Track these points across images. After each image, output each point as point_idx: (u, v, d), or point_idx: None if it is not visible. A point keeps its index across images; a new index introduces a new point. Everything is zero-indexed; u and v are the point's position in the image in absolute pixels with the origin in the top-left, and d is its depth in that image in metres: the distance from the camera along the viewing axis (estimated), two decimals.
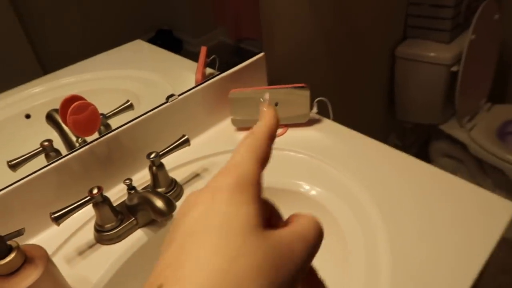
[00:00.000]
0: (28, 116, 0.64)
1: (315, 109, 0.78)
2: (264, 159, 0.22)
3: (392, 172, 0.64)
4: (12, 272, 0.44)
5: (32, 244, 0.48)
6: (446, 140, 1.55)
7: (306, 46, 1.01)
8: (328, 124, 0.77)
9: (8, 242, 0.44)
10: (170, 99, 0.71)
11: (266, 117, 0.23)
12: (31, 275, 0.45)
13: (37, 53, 0.58)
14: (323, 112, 0.80)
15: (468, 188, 0.61)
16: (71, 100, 0.58)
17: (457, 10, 1.27)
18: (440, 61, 1.31)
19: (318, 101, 0.78)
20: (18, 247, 0.44)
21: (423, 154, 1.66)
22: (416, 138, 1.81)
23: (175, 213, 0.54)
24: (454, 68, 1.30)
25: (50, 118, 0.65)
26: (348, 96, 1.27)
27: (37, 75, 0.59)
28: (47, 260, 0.47)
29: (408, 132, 1.71)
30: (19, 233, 0.44)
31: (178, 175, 0.68)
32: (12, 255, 0.44)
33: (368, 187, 0.62)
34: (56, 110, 0.63)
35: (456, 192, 0.60)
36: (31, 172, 0.59)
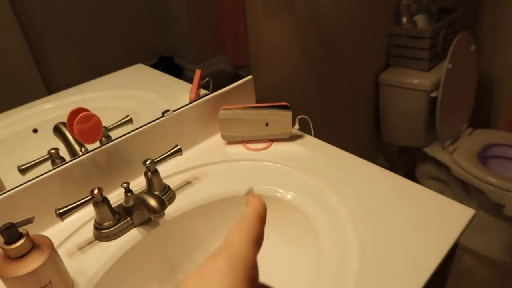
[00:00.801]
0: (35, 131, 0.71)
1: (297, 126, 0.86)
2: (258, 241, 0.22)
3: (362, 180, 0.72)
4: (21, 256, 0.50)
5: (39, 234, 0.55)
6: (431, 162, 1.62)
7: (292, 70, 1.10)
8: (309, 139, 0.85)
9: (19, 229, 0.51)
10: (166, 114, 0.79)
11: (254, 203, 0.24)
12: (37, 259, 0.51)
13: (43, 73, 0.65)
14: (306, 129, 0.88)
15: (432, 195, 0.68)
16: (77, 111, 0.66)
17: (434, 41, 1.37)
18: (420, 87, 1.40)
19: (300, 119, 0.86)
20: (27, 234, 0.51)
21: (411, 176, 1.73)
22: (405, 161, 1.88)
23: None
24: (433, 94, 1.40)
25: (56, 130, 0.72)
26: (334, 119, 1.36)
27: (42, 95, 0.66)
28: (52, 249, 0.53)
29: (395, 155, 1.79)
30: (29, 221, 0.50)
31: (171, 182, 0.75)
32: (21, 241, 0.50)
33: (340, 192, 0.69)
34: (62, 123, 0.71)
35: (420, 198, 0.67)
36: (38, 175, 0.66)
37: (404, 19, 1.42)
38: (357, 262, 0.57)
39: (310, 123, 0.88)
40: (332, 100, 1.31)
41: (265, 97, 1.02)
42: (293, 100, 1.14)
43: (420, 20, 1.41)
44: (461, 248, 1.62)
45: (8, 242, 0.49)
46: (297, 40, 1.07)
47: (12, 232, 0.50)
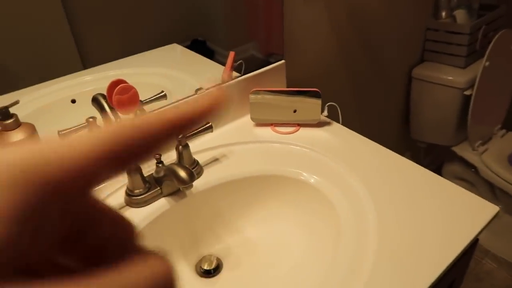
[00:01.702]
0: (73, 101, 0.75)
1: (325, 112, 0.87)
2: (125, 156, 0.13)
3: (388, 170, 0.72)
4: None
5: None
6: (459, 162, 1.59)
7: (325, 58, 1.11)
8: (336, 127, 0.86)
9: None
10: (199, 91, 0.81)
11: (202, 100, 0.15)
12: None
13: (80, 48, 0.68)
14: (334, 116, 0.89)
15: (457, 190, 0.67)
16: (117, 82, 0.69)
17: (472, 38, 1.34)
18: (455, 84, 1.37)
19: (329, 106, 0.87)
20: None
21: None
22: (432, 160, 1.85)
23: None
24: (467, 92, 1.37)
25: (95, 100, 0.76)
26: (362, 109, 1.35)
27: (79, 69, 0.69)
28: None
29: (422, 152, 1.76)
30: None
31: (200, 157, 0.77)
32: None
33: (364, 181, 0.70)
34: (100, 94, 0.74)
35: (445, 192, 0.67)
36: None
37: (443, 13, 1.38)
38: (374, 250, 0.58)
39: (339, 111, 0.88)
40: (362, 90, 1.31)
41: (296, 82, 1.03)
42: (323, 87, 1.15)
43: (460, 15, 1.37)
44: (483, 251, 1.60)
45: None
46: (332, 27, 1.07)
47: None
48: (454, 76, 1.38)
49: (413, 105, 1.53)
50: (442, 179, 0.70)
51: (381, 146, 0.79)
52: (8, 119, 0.63)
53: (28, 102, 0.67)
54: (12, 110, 0.64)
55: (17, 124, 0.65)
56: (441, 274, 0.54)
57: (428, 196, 0.66)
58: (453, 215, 0.62)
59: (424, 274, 0.54)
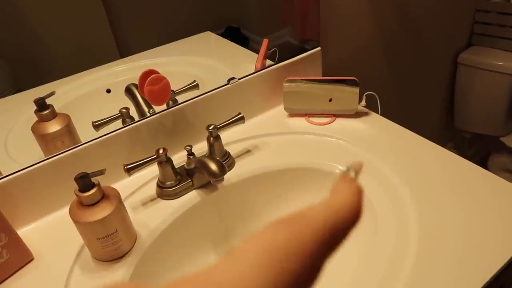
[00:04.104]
0: (108, 91, 0.75)
1: (363, 102, 0.82)
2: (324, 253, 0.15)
3: (430, 165, 0.67)
4: (92, 204, 0.54)
5: (109, 186, 0.59)
6: (507, 153, 1.49)
7: (364, 44, 1.05)
8: (375, 117, 0.81)
9: (92, 179, 0.55)
10: (231, 81, 0.79)
11: (347, 194, 0.17)
12: (106, 209, 0.55)
13: (117, 37, 0.68)
14: (373, 106, 0.84)
15: (508, 188, 0.62)
16: (149, 73, 0.68)
17: None
18: (506, 70, 1.27)
19: (367, 95, 0.82)
20: (99, 184, 0.55)
21: (482, 167, 1.60)
22: (477, 151, 1.74)
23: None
24: None
25: (128, 90, 0.76)
26: (402, 97, 1.28)
27: (115, 58, 0.69)
28: (119, 200, 0.57)
29: (467, 143, 1.66)
30: (101, 172, 0.54)
31: (231, 149, 0.76)
32: (94, 190, 0.54)
33: (405, 176, 0.65)
34: (133, 85, 0.74)
35: (494, 190, 0.61)
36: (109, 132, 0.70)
37: None
38: (414, 253, 0.54)
39: (378, 101, 0.84)
40: (403, 78, 1.24)
41: (332, 70, 0.99)
42: (361, 75, 1.09)
43: None
44: None
45: (82, 190, 0.53)
46: (371, 9, 1.01)
47: (86, 181, 0.53)
48: (505, 61, 1.27)
49: (458, 92, 1.43)
50: (492, 175, 0.64)
51: (423, 139, 0.73)
52: (44, 110, 0.64)
53: (63, 93, 0.68)
54: (48, 101, 0.65)
55: (54, 115, 0.66)
56: (489, 280, 0.50)
57: (475, 195, 0.61)
58: (502, 213, 0.57)
59: (469, 279, 0.50)
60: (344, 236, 0.16)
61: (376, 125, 0.79)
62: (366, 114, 0.82)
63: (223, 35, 0.79)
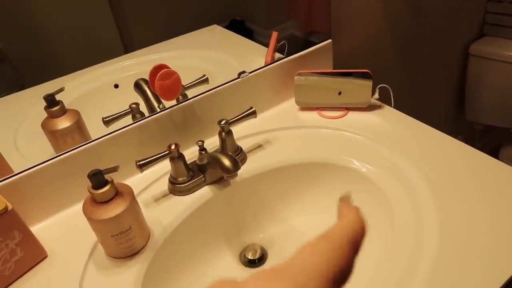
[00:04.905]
0: (116, 86, 0.74)
1: (376, 95, 0.81)
2: (339, 278, 0.17)
3: (446, 158, 0.66)
4: (106, 201, 0.54)
5: (122, 182, 0.58)
6: None
7: (374, 36, 1.03)
8: (388, 110, 0.80)
9: (105, 176, 0.54)
10: (242, 75, 0.78)
11: (349, 219, 0.21)
12: (120, 206, 0.54)
13: (121, 32, 0.67)
14: (385, 99, 0.83)
15: None
16: (159, 68, 0.67)
17: None
18: None
19: (380, 88, 0.81)
20: (112, 181, 0.54)
21: None
22: (487, 142, 1.72)
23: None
24: None
25: (137, 86, 0.75)
26: (413, 90, 1.27)
27: (120, 53, 0.68)
28: (133, 197, 0.56)
29: (478, 135, 1.64)
30: (114, 169, 0.53)
31: (243, 144, 0.75)
32: (107, 187, 0.53)
33: (421, 170, 0.64)
34: (143, 79, 0.73)
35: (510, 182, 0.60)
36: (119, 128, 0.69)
37: None
38: (433, 247, 0.53)
39: (391, 93, 0.82)
40: (413, 70, 1.22)
41: (343, 63, 0.97)
42: (372, 68, 1.07)
43: None
44: None
45: (96, 187, 0.53)
46: (382, 2, 0.99)
47: (99, 178, 0.53)
48: None
49: (470, 84, 1.41)
50: (510, 168, 0.63)
51: (441, 133, 0.72)
52: (54, 106, 0.63)
53: (70, 89, 0.67)
54: (57, 97, 0.64)
55: (63, 111, 0.65)
56: (508, 279, 0.49)
57: (494, 189, 0.60)
58: None
59: (491, 275, 0.49)
60: (362, 243, 0.22)
61: (390, 119, 0.77)
62: (379, 107, 0.81)
63: (227, 28, 0.78)
